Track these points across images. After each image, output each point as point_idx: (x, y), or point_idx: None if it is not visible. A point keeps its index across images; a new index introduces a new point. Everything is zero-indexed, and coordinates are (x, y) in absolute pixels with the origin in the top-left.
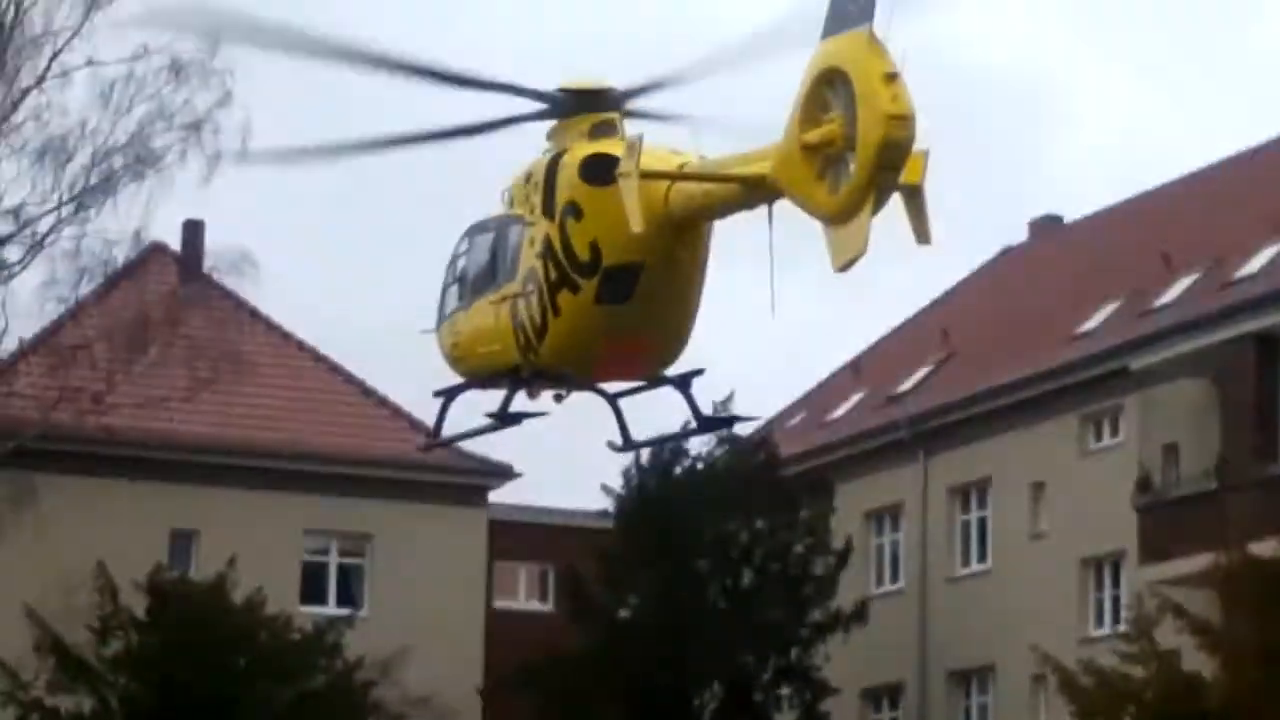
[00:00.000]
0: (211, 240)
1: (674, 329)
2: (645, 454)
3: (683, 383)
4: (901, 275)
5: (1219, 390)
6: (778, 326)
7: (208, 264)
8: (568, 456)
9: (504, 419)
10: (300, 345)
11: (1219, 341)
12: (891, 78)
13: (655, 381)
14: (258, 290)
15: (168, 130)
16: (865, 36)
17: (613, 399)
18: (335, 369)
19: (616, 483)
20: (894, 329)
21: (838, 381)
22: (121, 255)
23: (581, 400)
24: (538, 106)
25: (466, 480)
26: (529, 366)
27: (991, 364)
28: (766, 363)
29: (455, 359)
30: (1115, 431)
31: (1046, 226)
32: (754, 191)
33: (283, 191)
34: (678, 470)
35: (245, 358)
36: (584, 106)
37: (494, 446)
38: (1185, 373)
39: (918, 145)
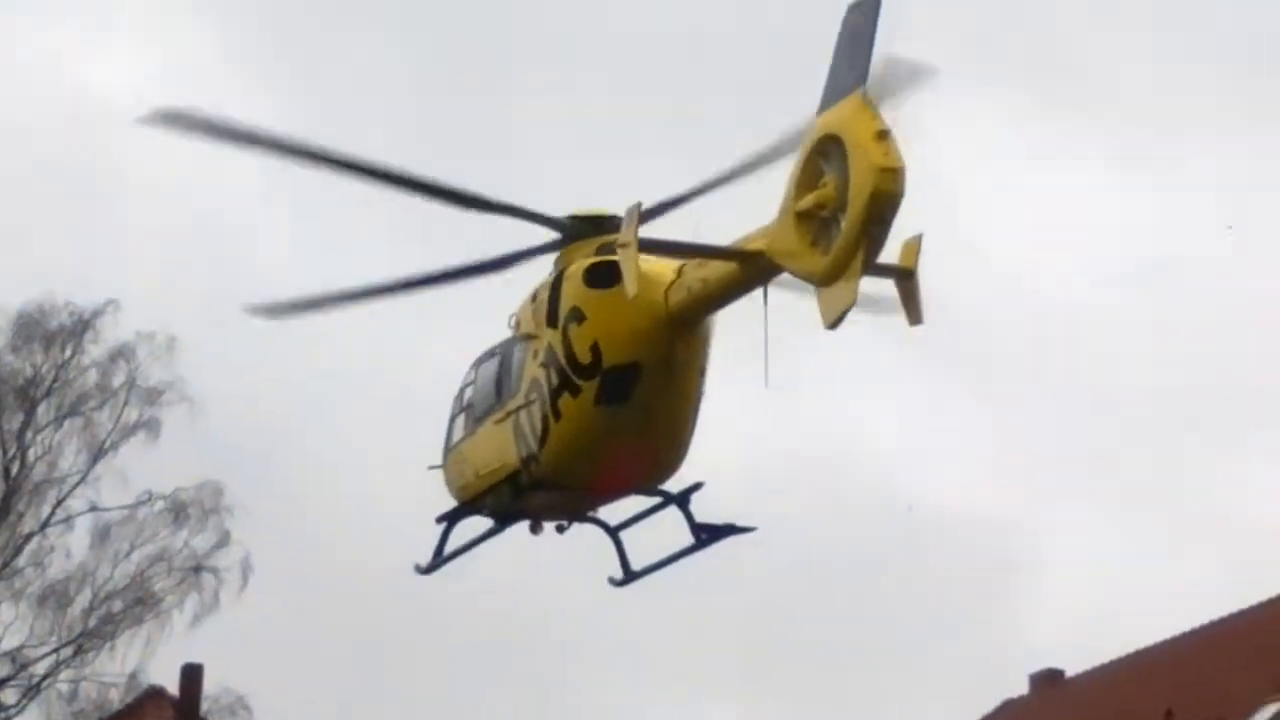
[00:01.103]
0: (211, 683)
1: (673, 435)
2: None
3: (682, 499)
4: None
5: None
6: None
7: (204, 708)
8: None
9: (502, 520)
10: None
11: None
12: (882, 135)
13: (654, 496)
14: None
15: (168, 573)
16: (858, 99)
17: (614, 531)
18: None
19: None
20: None
21: None
22: (118, 698)
23: None
24: (549, 235)
25: None
26: (529, 475)
27: None
28: None
29: (460, 487)
30: None
31: (1047, 680)
32: (750, 268)
33: (284, 637)
34: None
35: None
36: (591, 231)
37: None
38: None
39: (912, 233)
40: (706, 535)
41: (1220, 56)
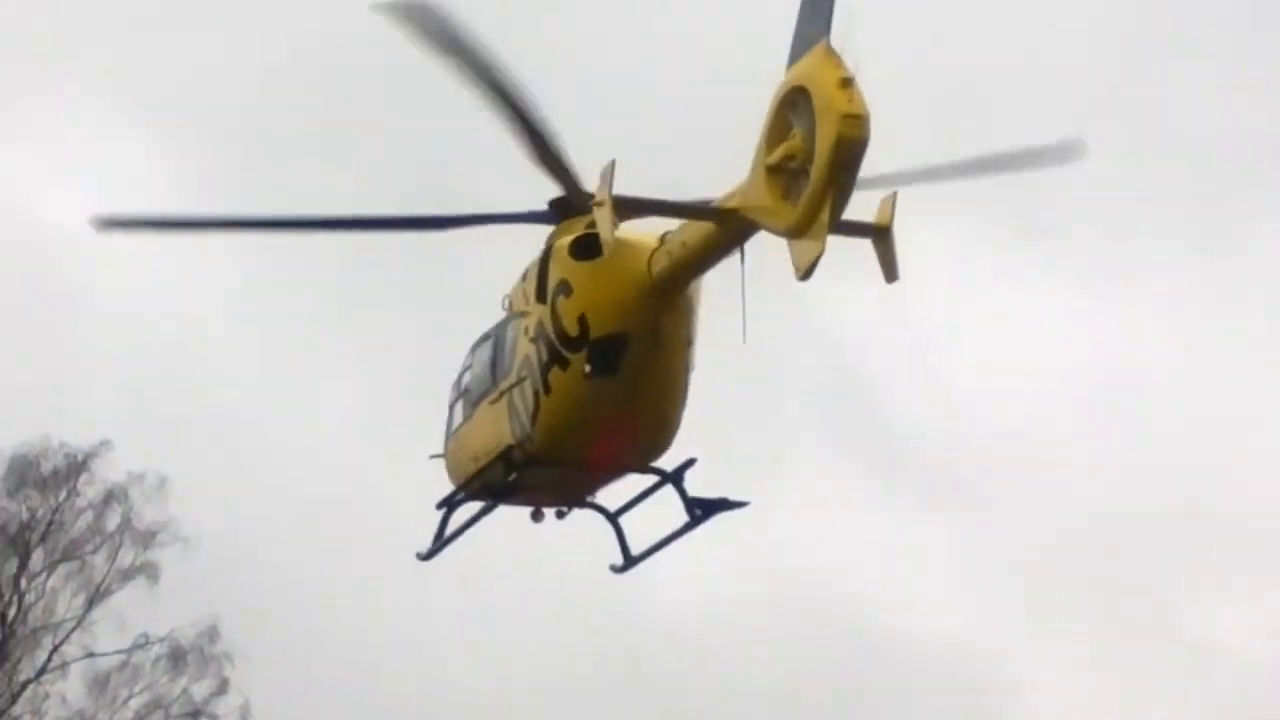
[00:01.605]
0: None
1: (663, 408)
2: None
3: (676, 477)
4: None
5: None
6: None
7: None
8: None
9: (496, 494)
10: None
11: None
12: (846, 82)
13: (648, 474)
14: None
15: None
16: (822, 49)
17: (613, 517)
18: None
19: None
20: None
21: None
22: None
23: None
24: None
25: None
26: (522, 452)
27: None
28: None
29: (459, 473)
30: None
31: None
32: (727, 226)
33: None
34: None
35: None
36: (579, 209)
37: None
38: None
39: (887, 189)
40: (701, 511)
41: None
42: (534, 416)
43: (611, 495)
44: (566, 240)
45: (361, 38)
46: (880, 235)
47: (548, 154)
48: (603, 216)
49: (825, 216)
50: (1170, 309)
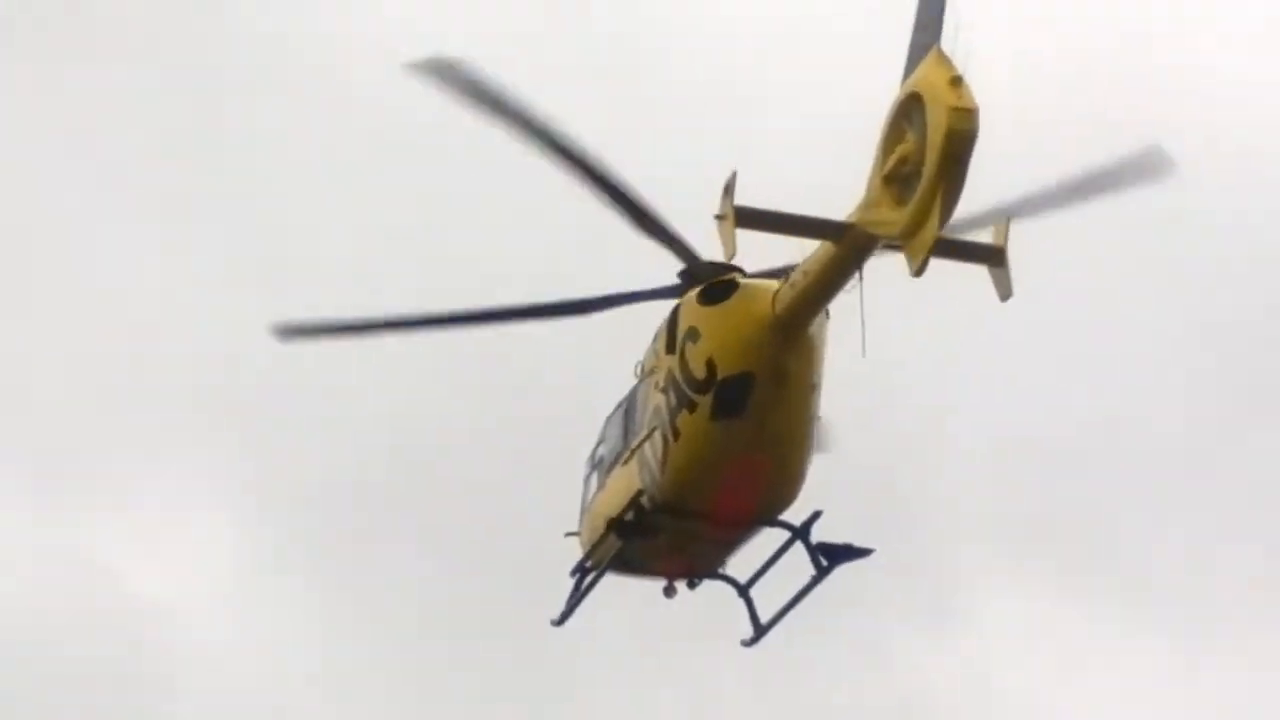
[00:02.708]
0: None
1: (789, 452)
2: None
3: (804, 531)
4: None
5: None
6: None
7: None
8: None
9: (624, 530)
10: None
11: None
12: (956, 80)
13: (775, 527)
14: None
15: None
16: (935, 54)
17: (744, 589)
18: None
19: None
20: None
21: None
22: None
23: None
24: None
25: None
26: (651, 501)
27: None
28: None
29: (592, 542)
30: None
31: None
32: (846, 244)
33: None
34: None
35: None
36: (710, 275)
37: None
38: None
39: (1002, 216)
40: (827, 562)
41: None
42: (663, 463)
43: (741, 565)
44: (695, 291)
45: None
46: (995, 256)
47: (647, 222)
48: (724, 230)
49: (936, 211)
50: None
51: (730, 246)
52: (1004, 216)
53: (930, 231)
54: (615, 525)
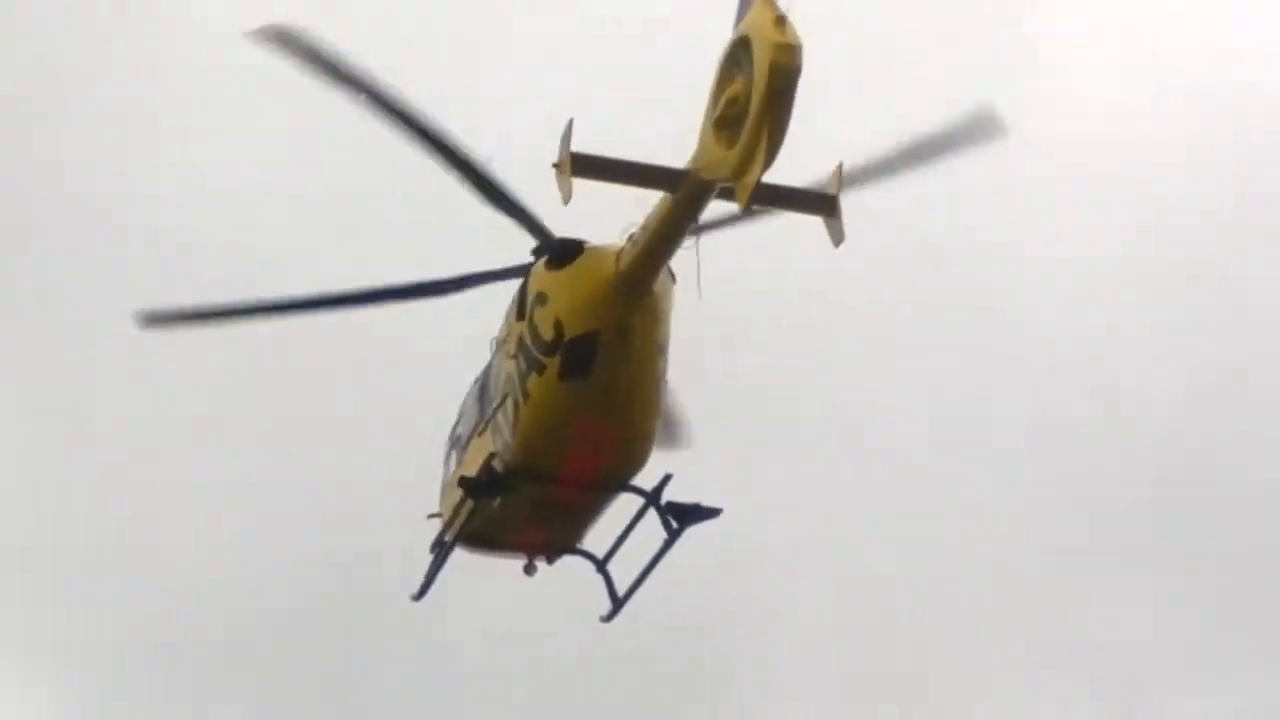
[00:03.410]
0: None
1: (638, 414)
2: None
3: (655, 496)
4: None
5: None
6: None
7: None
8: None
9: (474, 488)
10: None
11: None
12: (780, 20)
13: (627, 491)
14: None
15: None
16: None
17: (601, 564)
18: None
19: None
20: None
21: None
22: None
23: None
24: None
25: None
26: (503, 463)
27: None
28: None
29: (450, 512)
30: None
31: None
32: (683, 192)
33: None
34: None
35: None
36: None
37: None
38: None
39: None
40: (677, 524)
41: None
42: (514, 425)
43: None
44: (543, 259)
45: None
46: (829, 205)
47: (498, 197)
48: (561, 178)
49: (763, 144)
50: None
51: (567, 193)
52: (837, 164)
53: (757, 164)
54: (466, 483)
